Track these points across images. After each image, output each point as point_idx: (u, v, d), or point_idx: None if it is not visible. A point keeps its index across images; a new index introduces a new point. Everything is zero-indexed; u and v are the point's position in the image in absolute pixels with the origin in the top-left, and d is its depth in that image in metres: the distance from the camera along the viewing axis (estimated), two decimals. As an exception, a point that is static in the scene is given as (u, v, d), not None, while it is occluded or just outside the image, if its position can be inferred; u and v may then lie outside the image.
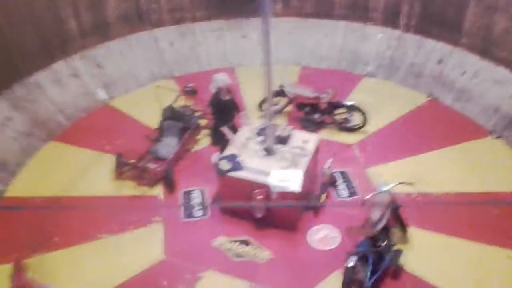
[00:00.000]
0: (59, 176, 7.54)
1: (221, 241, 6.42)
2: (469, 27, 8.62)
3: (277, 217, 6.46)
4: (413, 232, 6.31)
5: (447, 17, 8.85)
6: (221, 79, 6.67)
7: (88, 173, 7.61)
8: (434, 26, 9.09)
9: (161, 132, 7.91)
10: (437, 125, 8.39)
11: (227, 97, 6.79)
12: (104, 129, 8.56)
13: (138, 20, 9.72)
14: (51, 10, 8.45)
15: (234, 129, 7.04)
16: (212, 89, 6.76)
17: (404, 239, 6.24)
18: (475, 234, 6.29)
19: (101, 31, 9.33)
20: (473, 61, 8.63)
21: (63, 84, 8.80)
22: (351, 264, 5.44)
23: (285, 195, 6.11)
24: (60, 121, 8.63)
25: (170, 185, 7.25)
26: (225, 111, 6.86)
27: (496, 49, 8.30)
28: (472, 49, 8.69)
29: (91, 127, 8.66)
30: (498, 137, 8.05)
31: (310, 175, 6.71)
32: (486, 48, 8.46)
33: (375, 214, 5.66)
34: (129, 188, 7.29)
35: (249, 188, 6.17)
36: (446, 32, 8.97)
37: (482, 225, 6.46)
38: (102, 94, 9.28)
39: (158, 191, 7.24)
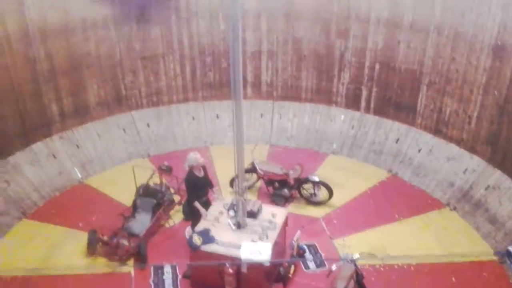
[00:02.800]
0: (31, 254, 7.57)
1: (192, 316, 6.47)
2: (423, 109, 9.48)
3: (247, 290, 6.60)
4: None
5: (403, 100, 9.73)
6: (194, 158, 7.10)
7: (61, 250, 7.68)
8: (391, 108, 9.95)
9: (134, 209, 8.13)
10: (397, 198, 8.90)
11: (200, 174, 7.19)
12: (78, 206, 8.73)
13: (117, 104, 10.29)
14: (35, 97, 8.94)
15: (208, 204, 7.36)
16: (186, 167, 7.17)
17: (369, 308, 6.45)
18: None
19: (81, 114, 9.81)
20: (427, 139, 9.40)
21: (41, 164, 9.07)
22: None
23: (255, 267, 6.32)
24: (34, 200, 8.77)
25: (142, 261, 7.35)
26: (198, 187, 7.22)
27: (447, 129, 9.11)
28: (426, 128, 9.49)
29: (65, 205, 8.81)
30: (453, 209, 8.58)
31: (279, 248, 6.98)
32: (438, 128, 9.27)
33: (340, 285, 5.90)
34: (101, 265, 7.35)
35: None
36: (402, 114, 9.81)
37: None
38: (77, 173, 9.55)
39: (130, 267, 7.32)
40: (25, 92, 8.75)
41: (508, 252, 3.95)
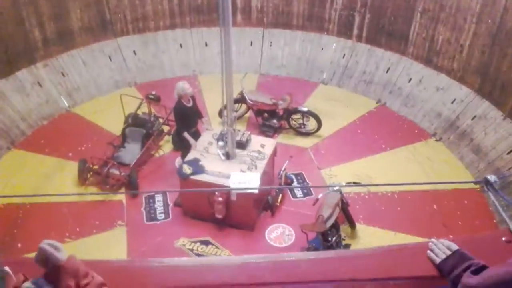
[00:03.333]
0: (22, 184, 7.62)
1: (183, 242, 6.74)
2: (415, 37, 9.29)
3: (236, 217, 6.84)
4: (361, 228, 6.83)
5: (395, 29, 9.51)
6: (182, 87, 7.00)
7: (52, 180, 7.75)
8: (384, 37, 9.74)
9: (124, 138, 8.14)
10: (385, 129, 8.99)
11: (189, 104, 7.13)
12: (67, 136, 8.69)
13: (102, 29, 9.91)
14: (15, 21, 8.56)
15: (197, 135, 7.38)
16: (175, 96, 7.09)
17: (353, 235, 6.76)
18: (417, 228, 6.85)
19: (65, 40, 9.47)
20: (418, 69, 9.32)
21: (26, 92, 8.89)
22: (304, 258, 5.89)
23: (244, 196, 6.51)
24: (22, 129, 8.71)
25: (133, 190, 7.50)
26: (187, 117, 7.19)
27: (438, 58, 9.01)
28: (417, 58, 9.37)
29: (54, 135, 8.76)
30: (439, 140, 8.74)
31: (267, 177, 7.14)
32: (429, 57, 9.16)
33: (326, 212, 6.12)
34: (92, 194, 7.49)
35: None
36: (395, 42, 9.63)
37: (423, 220, 7.06)
38: (64, 102, 9.42)
39: (121, 195, 7.48)
40: (6, 16, 8.36)
41: (486, 180, 4.07)
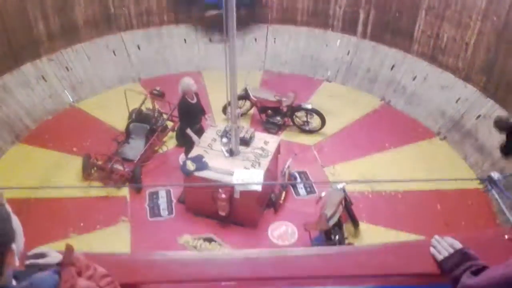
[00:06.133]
0: (26, 178, 7.62)
1: (186, 238, 6.73)
2: (420, 35, 9.24)
3: (239, 215, 6.84)
4: (364, 227, 6.82)
5: (400, 26, 9.46)
6: (187, 83, 6.98)
7: (56, 175, 7.76)
8: (388, 34, 9.70)
9: (128, 134, 8.14)
10: (389, 127, 8.95)
11: (193, 100, 7.12)
12: (71, 131, 8.71)
13: (106, 24, 9.91)
14: (20, 14, 8.56)
15: (201, 131, 7.37)
16: (179, 92, 7.07)
17: (356, 234, 6.75)
18: (420, 228, 6.82)
19: (69, 35, 9.47)
20: (423, 67, 9.27)
21: (31, 86, 8.91)
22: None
23: (247, 193, 6.50)
24: (27, 124, 8.73)
25: (137, 186, 7.51)
26: (191, 113, 7.18)
27: (443, 56, 8.96)
28: (422, 55, 9.33)
29: (58, 129, 8.78)
30: (443, 139, 8.70)
31: (271, 175, 7.12)
32: (434, 55, 9.11)
33: (329, 210, 6.11)
34: (96, 189, 7.51)
35: (213, 187, 6.54)
36: (399, 39, 9.58)
37: (426, 219, 7.03)
38: (69, 96, 9.43)
39: (125, 191, 7.49)
40: (10, 8, 8.36)
41: (489, 177, 4.04)
